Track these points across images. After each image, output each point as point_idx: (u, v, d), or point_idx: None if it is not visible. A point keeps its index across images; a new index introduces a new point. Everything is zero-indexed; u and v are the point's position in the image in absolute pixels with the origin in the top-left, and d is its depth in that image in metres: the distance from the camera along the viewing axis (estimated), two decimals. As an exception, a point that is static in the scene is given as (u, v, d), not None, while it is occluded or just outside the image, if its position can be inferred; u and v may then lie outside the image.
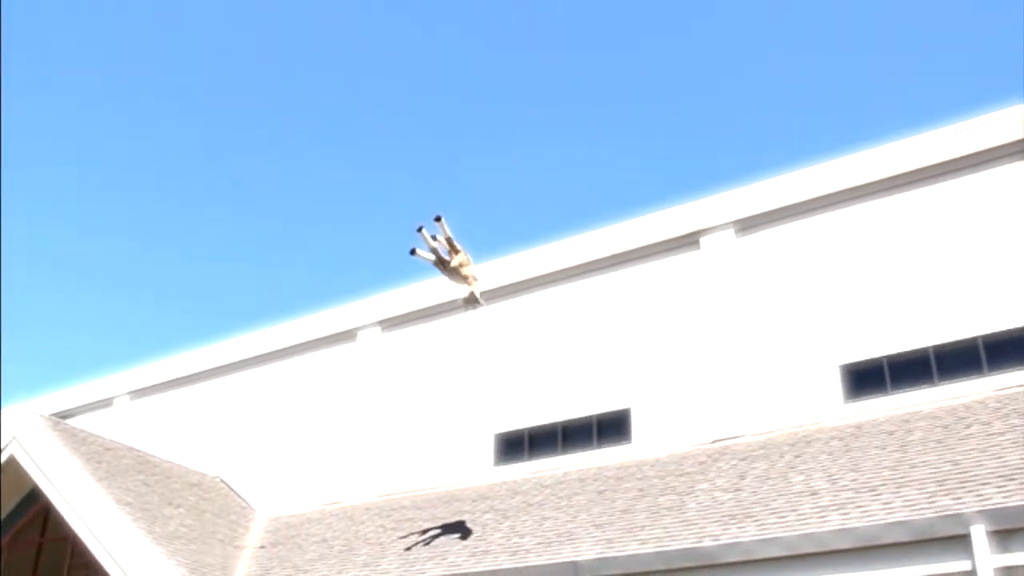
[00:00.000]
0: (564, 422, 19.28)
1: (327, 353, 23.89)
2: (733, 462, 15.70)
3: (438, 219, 15.41)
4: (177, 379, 27.19)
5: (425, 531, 17.33)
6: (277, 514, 22.34)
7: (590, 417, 18.98)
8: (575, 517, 15.51)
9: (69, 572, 20.11)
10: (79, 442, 21.33)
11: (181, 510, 20.61)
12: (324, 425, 23.05)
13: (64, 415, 27.79)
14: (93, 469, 20.04)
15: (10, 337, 73.13)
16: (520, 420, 19.86)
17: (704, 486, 15.02)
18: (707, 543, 12.53)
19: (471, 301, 15.42)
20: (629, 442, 18.28)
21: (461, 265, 15.42)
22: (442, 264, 15.65)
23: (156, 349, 71.71)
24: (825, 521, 12.04)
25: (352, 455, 22.07)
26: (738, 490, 14.35)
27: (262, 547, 20.03)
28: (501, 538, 15.70)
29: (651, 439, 17.99)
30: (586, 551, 13.69)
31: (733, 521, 13.11)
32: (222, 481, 24.27)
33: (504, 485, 18.61)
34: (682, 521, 13.76)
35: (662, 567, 12.61)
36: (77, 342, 73.53)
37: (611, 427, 18.65)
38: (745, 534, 12.46)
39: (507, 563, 14.31)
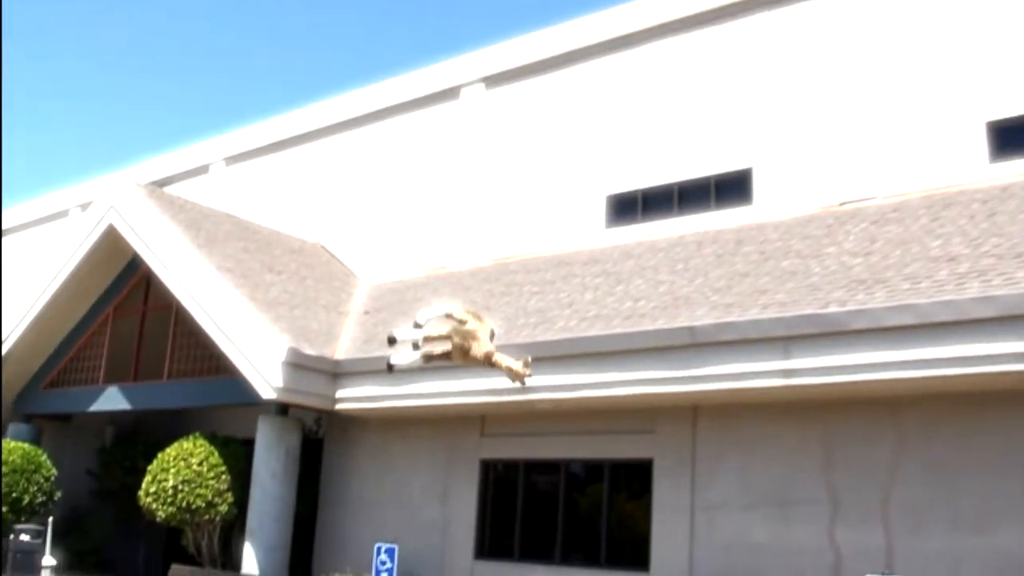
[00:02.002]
0: (680, 182, 19.04)
1: (429, 112, 23.80)
2: (863, 225, 15.37)
3: (392, 341, 13.23)
4: (274, 143, 27.52)
5: (533, 295, 17.57)
6: (381, 280, 22.86)
7: (708, 177, 18.70)
8: (692, 281, 15.51)
9: (173, 339, 21.03)
10: (177, 209, 21.88)
11: (283, 276, 21.19)
12: (428, 189, 23.21)
13: (160, 183, 28.46)
14: (192, 236, 20.61)
15: (102, 105, 74.49)
16: (633, 180, 19.69)
17: (831, 250, 14.80)
18: (833, 309, 12.42)
19: (516, 377, 13.00)
20: (750, 204, 18.01)
21: (465, 351, 12.75)
22: (447, 358, 13.42)
23: (252, 113, 72.52)
24: (964, 288, 11.78)
25: (457, 219, 22.27)
26: (868, 254, 14.10)
27: (366, 312, 20.58)
28: (614, 302, 15.83)
29: (774, 200, 17.69)
30: (703, 316, 13.73)
31: (862, 287, 12.94)
32: (323, 248, 24.81)
33: (616, 248, 18.64)
34: (806, 286, 13.65)
35: (784, 333, 12.57)
36: (171, 108, 74.69)
37: (731, 188, 18.36)
38: (875, 300, 12.30)
39: (620, 328, 14.47)
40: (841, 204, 16.71)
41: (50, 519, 22.46)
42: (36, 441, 24.02)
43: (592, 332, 14.74)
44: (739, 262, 15.66)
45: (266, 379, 17.39)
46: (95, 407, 22.65)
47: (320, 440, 19.78)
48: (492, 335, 12.40)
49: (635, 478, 15.38)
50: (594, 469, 16.01)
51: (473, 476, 17.20)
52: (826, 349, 12.26)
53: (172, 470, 18.60)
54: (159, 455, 19.24)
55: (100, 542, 24.11)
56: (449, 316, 12.82)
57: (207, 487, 18.29)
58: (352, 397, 17.72)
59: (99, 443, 25.21)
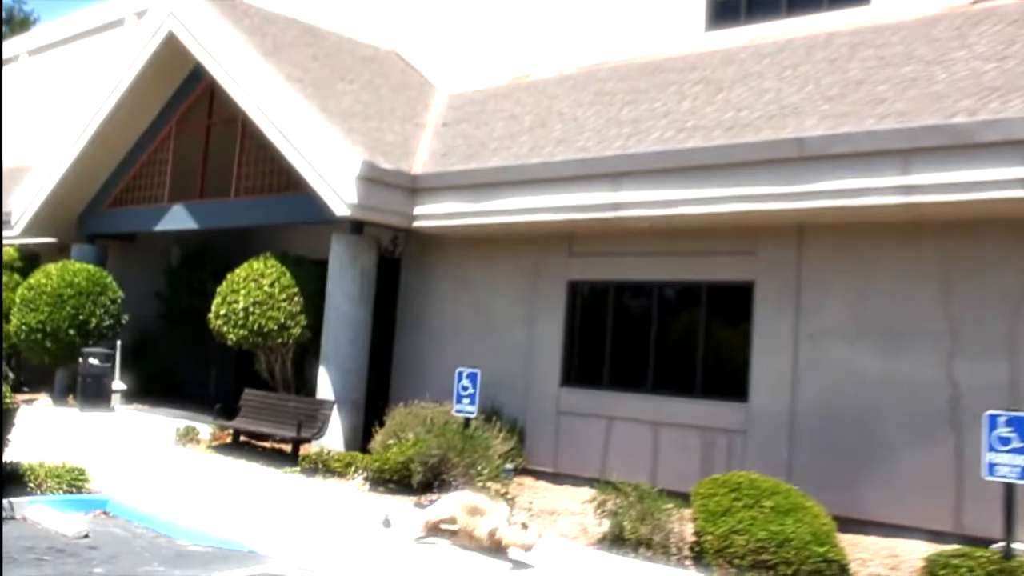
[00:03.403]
0: (790, -21, 18.30)
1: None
2: (999, 26, 14.59)
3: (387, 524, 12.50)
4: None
5: (626, 104, 17.19)
6: (460, 89, 22.50)
7: (821, -27, 17.92)
8: (801, 89, 14.98)
9: (241, 155, 21.04)
10: (240, 14, 21.58)
11: (355, 86, 20.94)
12: (508, -11, 22.60)
13: (220, -14, 28.04)
14: (257, 43, 20.35)
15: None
16: (736, -21, 18.94)
17: (960, 55, 14.12)
18: (960, 120, 11.93)
19: (525, 548, 11.56)
20: (867, 3, 17.20)
21: (470, 532, 11.72)
22: (454, 536, 12.25)
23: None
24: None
25: (542, 21, 21.65)
26: (1003, 59, 13.41)
27: (444, 124, 20.36)
28: (714, 111, 15.40)
29: (895, -1, 16.90)
30: (813, 127, 13.31)
31: (995, 95, 12.35)
32: (397, 55, 24.42)
33: (717, 53, 18.02)
34: (930, 94, 13.09)
35: (903, 146, 12.14)
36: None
37: (846, -15, 17.58)
38: (1010, 110, 11.77)
39: (721, 139, 14.11)
40: (973, 2, 15.85)
41: (118, 343, 23.06)
42: (101, 263, 24.51)
43: (690, 144, 14.39)
44: (854, 68, 15.04)
45: (339, 195, 17.34)
46: (160, 226, 22.93)
47: (397, 260, 19.84)
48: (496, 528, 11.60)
49: (733, 303, 15.20)
50: (689, 292, 15.85)
51: (560, 299, 17.15)
52: (951, 164, 11.81)
53: (243, 291, 18.82)
54: (228, 276, 19.47)
55: (170, 366, 24.80)
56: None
57: (279, 309, 18.50)
58: (431, 214, 17.65)
59: (166, 264, 25.67)
